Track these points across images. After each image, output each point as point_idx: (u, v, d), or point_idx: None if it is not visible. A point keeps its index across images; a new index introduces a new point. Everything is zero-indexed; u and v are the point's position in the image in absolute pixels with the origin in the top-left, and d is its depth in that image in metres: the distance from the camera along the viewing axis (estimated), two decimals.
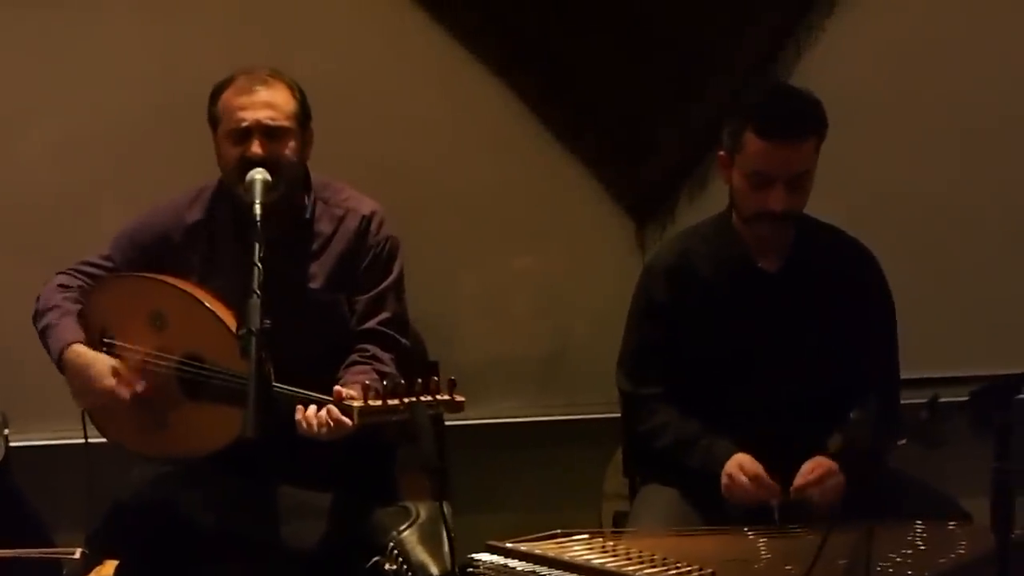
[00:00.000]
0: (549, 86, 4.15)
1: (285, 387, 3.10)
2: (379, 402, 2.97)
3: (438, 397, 2.96)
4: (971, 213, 4.19)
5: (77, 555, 3.29)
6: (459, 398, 2.98)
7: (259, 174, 3.27)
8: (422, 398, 2.95)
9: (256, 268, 3.04)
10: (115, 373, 3.29)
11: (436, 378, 2.98)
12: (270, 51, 3.89)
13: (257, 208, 3.20)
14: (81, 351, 3.32)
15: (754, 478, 3.16)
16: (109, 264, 3.48)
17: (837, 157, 3.42)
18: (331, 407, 3.06)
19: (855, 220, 3.53)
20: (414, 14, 4.08)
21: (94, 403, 3.32)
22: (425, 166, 4.12)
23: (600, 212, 4.19)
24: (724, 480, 3.19)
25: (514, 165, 4.17)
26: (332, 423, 3.05)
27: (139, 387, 3.29)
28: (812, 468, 3.17)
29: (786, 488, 3.15)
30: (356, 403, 3.00)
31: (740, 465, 3.19)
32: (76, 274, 3.48)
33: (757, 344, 3.33)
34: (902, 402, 3.33)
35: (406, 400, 2.95)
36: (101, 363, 3.31)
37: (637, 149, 4.18)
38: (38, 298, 3.45)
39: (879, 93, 4.16)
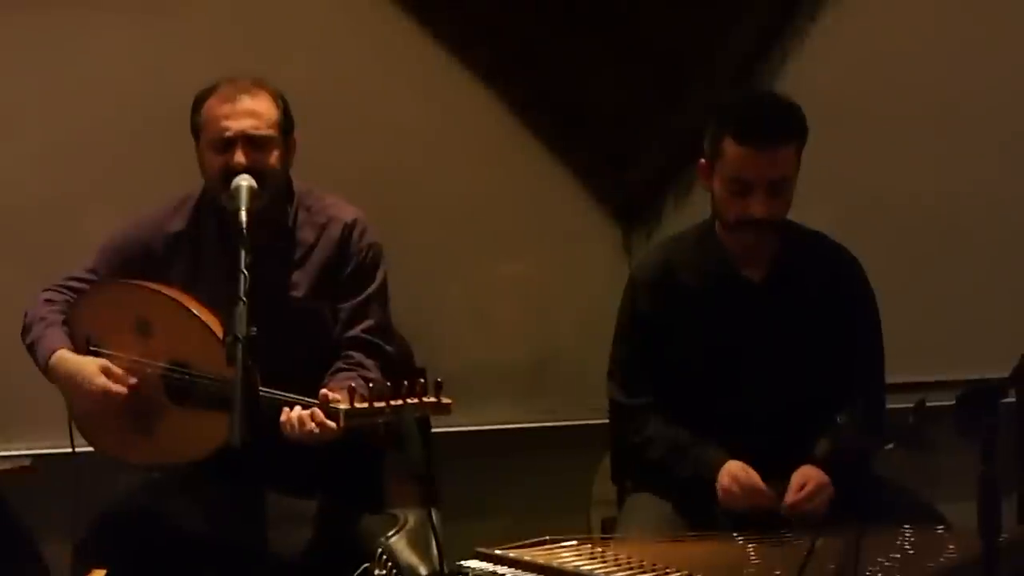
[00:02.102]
0: (534, 92, 4.16)
1: (271, 391, 3.09)
2: (365, 405, 2.95)
3: (424, 400, 2.94)
4: (957, 217, 4.21)
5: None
6: (446, 400, 2.96)
7: (245, 180, 3.26)
8: (408, 400, 2.93)
9: (243, 275, 3.03)
10: (106, 372, 3.28)
11: (423, 380, 2.97)
12: (256, 57, 3.89)
13: (243, 215, 3.19)
14: (66, 356, 3.32)
15: (750, 491, 3.17)
16: (94, 277, 3.47)
17: (823, 161, 3.42)
18: (316, 410, 3.05)
19: (841, 224, 3.53)
20: (400, 20, 4.08)
21: (88, 405, 3.30)
22: (411, 172, 4.12)
23: (586, 217, 4.20)
24: (720, 491, 3.20)
25: (500, 171, 4.17)
26: (317, 426, 3.04)
27: (132, 381, 3.28)
28: (802, 482, 3.17)
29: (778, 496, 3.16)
30: (342, 406, 2.99)
31: (735, 475, 3.19)
32: (62, 289, 3.47)
33: (743, 353, 3.33)
34: (890, 407, 3.33)
35: (392, 403, 2.93)
36: (90, 364, 3.30)
37: (622, 154, 4.19)
38: (25, 315, 3.45)
39: (865, 97, 4.17)
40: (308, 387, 3.14)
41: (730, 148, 3.22)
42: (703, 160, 3.30)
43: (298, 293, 3.40)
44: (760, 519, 3.10)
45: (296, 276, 3.41)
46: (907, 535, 2.99)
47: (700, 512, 3.22)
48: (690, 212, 3.96)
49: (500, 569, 2.79)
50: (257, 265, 3.09)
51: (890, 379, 3.42)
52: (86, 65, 4.04)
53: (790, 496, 3.15)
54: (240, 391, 2.90)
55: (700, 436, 3.29)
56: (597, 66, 4.13)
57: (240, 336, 2.94)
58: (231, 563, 3.28)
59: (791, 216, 3.35)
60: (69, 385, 3.32)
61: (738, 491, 3.18)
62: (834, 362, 3.32)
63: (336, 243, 3.43)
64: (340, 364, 3.34)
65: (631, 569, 2.75)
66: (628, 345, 3.43)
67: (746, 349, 3.32)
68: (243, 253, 3.08)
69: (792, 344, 3.32)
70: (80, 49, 4.04)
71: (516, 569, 2.78)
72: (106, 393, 3.27)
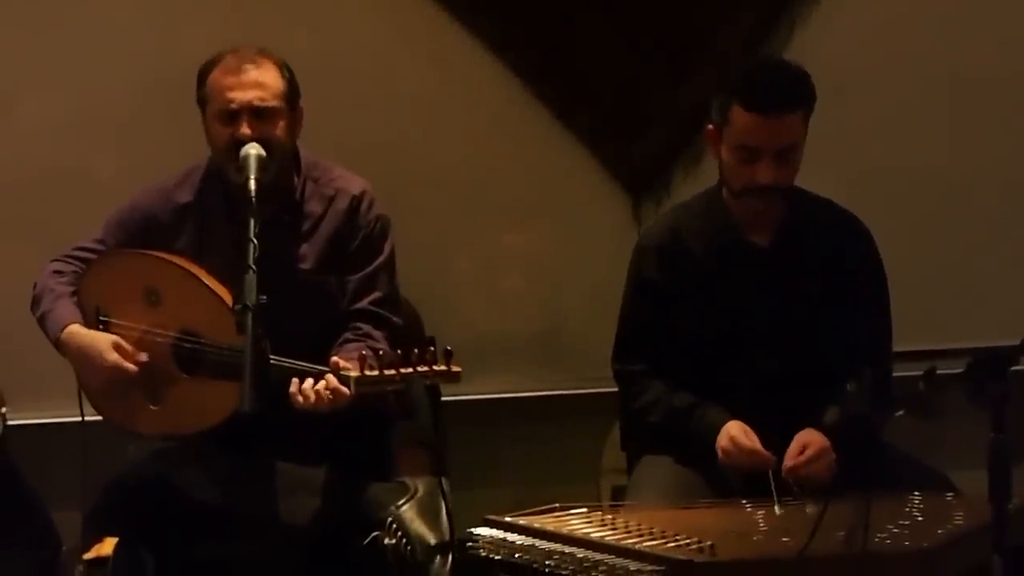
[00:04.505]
0: (544, 62, 4.15)
1: (281, 359, 3.09)
2: (376, 372, 2.95)
3: (434, 368, 2.94)
4: (967, 185, 4.20)
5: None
6: (455, 368, 2.96)
7: (253, 149, 3.26)
8: (418, 368, 2.93)
9: (251, 244, 3.04)
10: (117, 348, 3.28)
11: (432, 349, 2.96)
12: (263, 26, 3.89)
13: (252, 183, 3.19)
14: (78, 331, 3.32)
15: (749, 452, 3.17)
16: (101, 248, 3.47)
17: (833, 131, 3.42)
18: (329, 376, 3.05)
19: (851, 193, 3.53)
20: None
21: (100, 380, 3.31)
22: (419, 143, 4.12)
23: (596, 187, 4.19)
24: (720, 452, 3.21)
25: (508, 141, 4.16)
26: (329, 393, 3.04)
27: (143, 358, 3.28)
28: (802, 447, 3.18)
29: (780, 460, 3.17)
30: (352, 373, 2.99)
31: (733, 437, 3.20)
32: (70, 260, 3.47)
33: (749, 318, 3.33)
34: (899, 374, 3.32)
35: (402, 371, 2.93)
36: (101, 340, 3.30)
37: (632, 124, 4.18)
38: (34, 286, 3.45)
39: (873, 66, 4.16)
40: (316, 360, 3.13)
41: (737, 115, 3.22)
42: (711, 126, 3.30)
43: (306, 266, 3.39)
44: (763, 481, 3.11)
45: (304, 249, 3.40)
46: (916, 502, 2.99)
47: (710, 471, 3.23)
48: (700, 182, 3.93)
49: (510, 536, 2.79)
50: (264, 237, 3.09)
51: (900, 347, 3.43)
52: (92, 36, 4.03)
53: (789, 460, 3.16)
54: (250, 359, 2.91)
55: (703, 399, 3.29)
56: (606, 35, 4.12)
57: (250, 304, 2.95)
58: (241, 532, 3.28)
59: (799, 183, 3.35)
60: (80, 360, 3.32)
61: (736, 453, 3.19)
62: (840, 328, 3.32)
63: (344, 215, 3.41)
64: (348, 335, 3.33)
65: (641, 536, 2.76)
66: (631, 312, 3.44)
67: (752, 314, 3.33)
68: (252, 222, 3.08)
69: (797, 310, 3.33)
70: (85, 19, 4.03)
71: (526, 536, 2.78)
72: (117, 369, 3.27)
